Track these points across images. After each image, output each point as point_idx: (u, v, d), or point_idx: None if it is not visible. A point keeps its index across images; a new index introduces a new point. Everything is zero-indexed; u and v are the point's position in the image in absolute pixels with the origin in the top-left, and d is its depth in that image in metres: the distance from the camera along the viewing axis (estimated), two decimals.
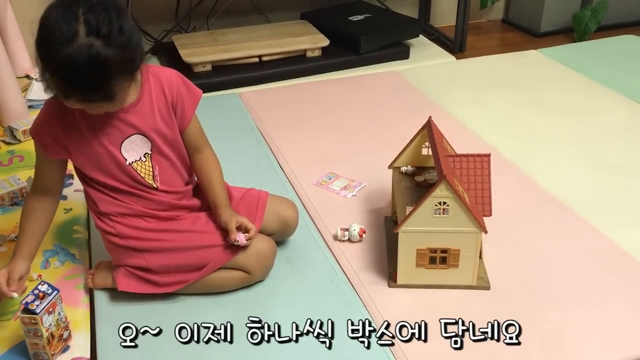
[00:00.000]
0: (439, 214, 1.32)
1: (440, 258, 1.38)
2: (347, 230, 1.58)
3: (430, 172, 1.54)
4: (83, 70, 1.10)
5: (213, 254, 1.36)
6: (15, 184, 1.78)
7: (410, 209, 1.36)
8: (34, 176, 1.37)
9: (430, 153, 1.49)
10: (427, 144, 1.54)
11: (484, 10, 3.34)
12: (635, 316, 1.37)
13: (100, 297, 1.43)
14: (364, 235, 1.58)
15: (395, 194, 1.53)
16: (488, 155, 1.43)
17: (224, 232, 1.36)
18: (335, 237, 1.59)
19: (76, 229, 1.67)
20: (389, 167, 1.59)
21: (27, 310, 1.21)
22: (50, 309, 1.23)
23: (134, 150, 1.33)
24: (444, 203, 1.30)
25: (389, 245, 1.54)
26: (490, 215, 1.42)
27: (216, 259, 1.36)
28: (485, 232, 1.33)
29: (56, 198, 1.40)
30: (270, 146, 2.03)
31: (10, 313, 1.38)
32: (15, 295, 1.27)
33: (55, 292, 1.25)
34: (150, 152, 1.35)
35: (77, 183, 1.87)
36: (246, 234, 1.35)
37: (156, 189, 1.37)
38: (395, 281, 1.42)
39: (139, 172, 1.34)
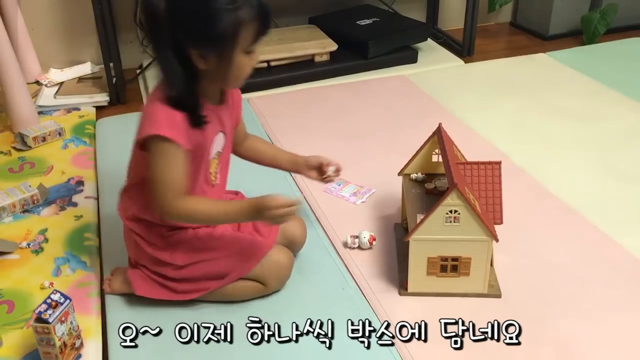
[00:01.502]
0: (450, 222, 1.32)
1: (451, 266, 1.38)
2: (357, 237, 1.58)
3: (440, 179, 1.53)
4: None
5: (234, 263, 1.37)
6: (26, 190, 1.79)
7: (421, 217, 1.36)
8: (170, 183, 1.23)
9: (441, 160, 1.49)
10: (437, 150, 1.54)
11: (492, 13, 3.33)
12: None
13: (112, 305, 1.43)
14: (374, 243, 1.58)
15: (405, 201, 1.53)
16: (499, 163, 1.43)
17: (245, 241, 1.39)
18: (345, 245, 1.59)
19: (87, 236, 1.67)
20: (399, 173, 1.59)
21: (39, 320, 1.22)
22: (63, 318, 1.24)
23: (214, 148, 1.35)
24: (455, 211, 1.30)
25: (400, 253, 1.53)
26: (501, 223, 1.42)
27: (237, 269, 1.37)
28: (497, 240, 1.33)
29: None
30: None
31: (23, 321, 1.39)
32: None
33: (68, 301, 1.26)
34: (221, 151, 1.38)
35: (87, 190, 1.88)
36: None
37: (213, 186, 1.38)
38: (406, 289, 1.42)
39: (210, 169, 1.36)
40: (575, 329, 1.35)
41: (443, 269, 1.38)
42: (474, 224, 1.31)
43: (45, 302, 1.24)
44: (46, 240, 1.65)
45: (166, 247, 1.36)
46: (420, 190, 1.52)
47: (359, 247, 1.58)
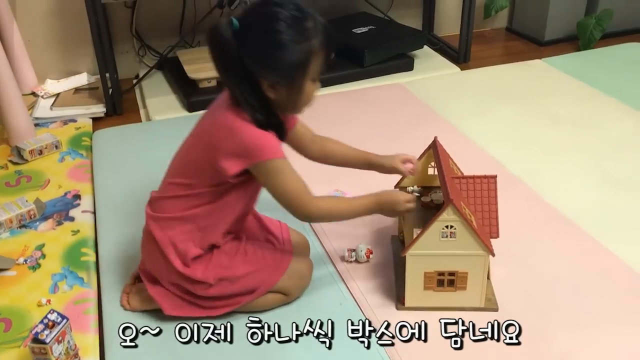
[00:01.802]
0: (447, 237, 1.32)
1: (448, 281, 1.38)
2: (354, 251, 1.58)
3: (436, 192, 1.54)
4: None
5: (262, 277, 1.38)
6: (23, 206, 1.79)
7: (418, 232, 1.36)
8: (301, 190, 1.29)
9: (437, 173, 1.49)
10: (432, 164, 1.54)
11: (487, 19, 3.34)
12: None
13: (109, 322, 1.43)
14: (371, 256, 1.58)
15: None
16: (494, 177, 1.43)
17: (270, 254, 1.41)
18: (343, 258, 1.59)
19: (84, 252, 1.67)
20: (396, 186, 1.59)
21: (36, 340, 1.22)
22: (60, 338, 1.24)
23: None
24: (451, 227, 1.30)
25: (397, 266, 1.54)
26: (498, 237, 1.42)
27: (265, 283, 1.37)
28: (493, 255, 1.33)
29: None
30: None
31: (20, 339, 1.39)
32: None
33: (65, 320, 1.26)
34: None
35: (84, 204, 1.88)
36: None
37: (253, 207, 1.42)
38: (404, 304, 1.42)
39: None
40: (573, 341, 1.35)
41: (440, 283, 1.39)
42: (470, 238, 1.31)
43: (42, 322, 1.24)
44: (43, 256, 1.65)
45: (198, 266, 1.34)
46: (416, 204, 1.52)
47: (356, 261, 1.58)
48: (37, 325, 1.23)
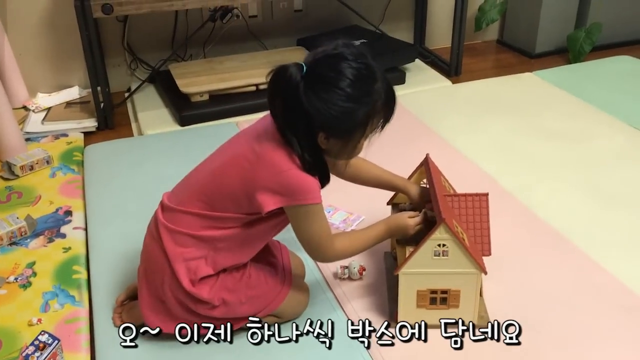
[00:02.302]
0: (439, 255, 1.32)
1: (440, 299, 1.38)
2: (347, 267, 1.58)
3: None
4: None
5: (262, 303, 1.38)
6: (13, 223, 1.78)
7: (410, 250, 1.36)
8: (325, 235, 1.31)
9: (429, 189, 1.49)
10: (425, 181, 1.55)
11: (478, 31, 3.36)
12: (637, 355, 1.36)
13: (101, 341, 1.42)
14: (364, 273, 1.58)
15: None
16: (486, 195, 1.43)
17: (272, 279, 1.40)
18: (336, 275, 1.59)
19: (76, 269, 1.66)
20: (388, 203, 1.60)
21: None
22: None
23: None
24: (444, 245, 1.31)
25: (389, 283, 1.54)
26: (490, 254, 1.43)
27: (265, 308, 1.38)
28: (485, 273, 1.33)
29: None
30: None
31: None
32: None
33: (56, 342, 1.25)
34: None
35: (75, 220, 1.87)
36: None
37: None
38: (397, 321, 1.42)
39: None
40: (564, 359, 1.35)
41: (432, 301, 1.39)
42: (462, 257, 1.32)
43: (32, 343, 1.23)
44: (34, 274, 1.64)
45: (204, 285, 1.32)
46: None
47: (349, 278, 1.58)
48: (27, 347, 1.22)
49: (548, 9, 3.15)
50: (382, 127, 1.27)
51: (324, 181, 1.28)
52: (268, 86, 1.20)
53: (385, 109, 1.24)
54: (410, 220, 1.40)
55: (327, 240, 1.31)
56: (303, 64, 1.17)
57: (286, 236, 1.40)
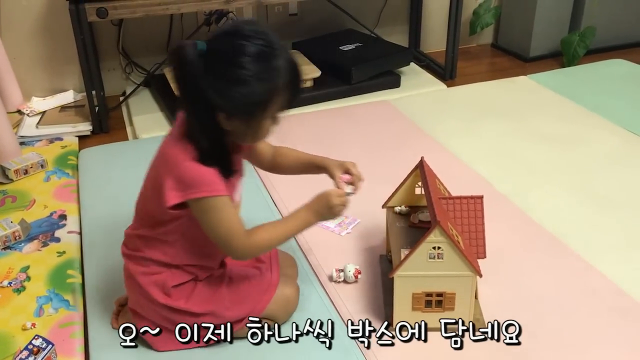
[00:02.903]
0: (434, 258, 1.32)
1: (435, 301, 1.38)
2: (342, 271, 1.58)
3: (423, 211, 1.54)
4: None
5: (249, 306, 1.37)
6: (7, 227, 1.77)
7: (406, 253, 1.36)
8: (235, 229, 1.25)
9: (423, 193, 1.49)
10: (419, 183, 1.55)
11: (473, 35, 3.37)
12: (632, 357, 1.37)
13: (95, 345, 1.41)
14: (359, 276, 1.58)
15: (389, 235, 1.54)
16: (481, 198, 1.44)
17: (257, 281, 1.39)
18: (331, 278, 1.59)
19: (70, 273, 1.66)
20: (383, 206, 1.60)
21: None
22: None
23: (237, 193, 1.34)
24: (439, 248, 1.31)
25: (385, 286, 1.54)
26: (485, 257, 1.43)
27: (252, 311, 1.36)
28: (480, 275, 1.34)
29: None
30: (264, 182, 2.03)
31: None
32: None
33: (50, 346, 1.25)
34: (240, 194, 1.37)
35: (70, 224, 1.86)
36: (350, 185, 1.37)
37: None
38: (392, 324, 1.42)
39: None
40: None
41: (428, 304, 1.39)
42: (457, 259, 1.32)
43: (26, 347, 1.23)
44: (28, 278, 1.63)
45: (179, 295, 1.33)
46: (404, 224, 1.52)
47: (345, 281, 1.58)
48: (21, 352, 1.22)
49: (542, 13, 3.16)
50: (288, 107, 1.22)
51: (225, 171, 1.23)
52: (172, 70, 1.18)
53: (290, 87, 1.19)
54: (333, 196, 1.32)
55: (237, 235, 1.25)
56: (199, 42, 1.15)
57: None
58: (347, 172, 1.38)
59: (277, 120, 1.24)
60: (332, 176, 1.40)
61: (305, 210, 1.33)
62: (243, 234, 1.26)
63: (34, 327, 1.46)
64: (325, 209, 1.32)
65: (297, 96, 1.23)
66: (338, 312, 1.49)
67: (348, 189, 1.36)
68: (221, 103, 1.15)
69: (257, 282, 1.39)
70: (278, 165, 1.50)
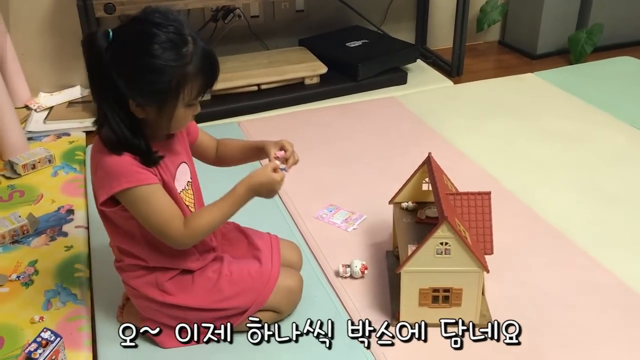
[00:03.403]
0: (441, 254, 1.32)
1: (442, 297, 1.38)
2: (348, 266, 1.58)
3: (430, 207, 1.54)
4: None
5: (250, 297, 1.36)
6: (16, 221, 1.78)
7: (413, 249, 1.36)
8: (168, 217, 1.23)
9: (431, 188, 1.50)
10: (427, 179, 1.55)
11: (480, 32, 3.36)
12: (638, 355, 1.36)
13: (103, 339, 1.42)
14: (365, 272, 1.58)
15: (396, 230, 1.54)
16: (488, 194, 1.43)
17: (257, 272, 1.38)
18: (337, 274, 1.59)
19: (78, 268, 1.66)
20: (390, 202, 1.60)
21: (29, 359, 1.21)
22: (53, 357, 1.24)
23: (181, 179, 1.33)
24: (446, 243, 1.31)
25: (391, 282, 1.54)
26: (492, 253, 1.43)
27: (254, 303, 1.36)
28: (487, 271, 1.34)
29: None
30: None
31: (13, 357, 1.37)
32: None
33: (58, 339, 1.25)
34: (190, 180, 1.36)
35: (78, 218, 1.87)
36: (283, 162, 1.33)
37: None
38: (399, 320, 1.42)
39: (185, 201, 1.33)
40: (566, 358, 1.35)
41: (435, 299, 1.39)
42: (464, 255, 1.32)
43: (35, 340, 1.23)
44: (36, 272, 1.64)
45: (178, 291, 1.34)
46: (411, 220, 1.53)
47: (351, 277, 1.58)
48: (30, 344, 1.22)
49: (549, 10, 3.15)
50: (203, 93, 1.21)
51: (146, 159, 1.20)
52: (85, 61, 1.16)
53: (202, 73, 1.17)
54: (275, 174, 1.27)
55: (172, 223, 1.22)
56: (110, 30, 1.14)
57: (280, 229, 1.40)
58: (282, 149, 1.35)
59: (195, 107, 1.23)
60: (268, 154, 1.35)
61: (242, 188, 1.28)
62: (178, 221, 1.24)
63: (42, 320, 1.47)
64: (261, 186, 1.28)
65: (212, 82, 1.21)
66: (344, 307, 1.49)
67: (282, 165, 1.32)
68: (130, 91, 1.14)
69: (258, 274, 1.38)
70: (222, 157, 1.48)
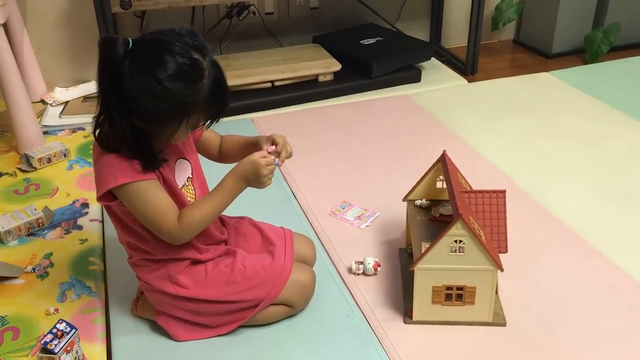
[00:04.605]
0: (455, 251, 1.32)
1: (456, 295, 1.38)
2: (361, 263, 1.58)
3: (444, 205, 1.54)
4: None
5: (263, 290, 1.37)
6: (31, 214, 1.79)
7: (426, 246, 1.36)
8: (164, 211, 1.24)
9: (445, 186, 1.49)
10: (441, 177, 1.55)
11: (495, 31, 3.35)
12: None
13: (117, 331, 1.43)
14: (378, 269, 1.58)
15: (410, 228, 1.53)
16: (503, 192, 1.43)
17: (270, 266, 1.38)
18: (350, 270, 1.59)
19: (92, 261, 1.68)
20: (404, 199, 1.59)
21: (45, 350, 1.22)
22: (69, 348, 1.24)
23: (181, 175, 1.34)
24: (460, 241, 1.30)
25: (404, 279, 1.54)
26: (506, 252, 1.42)
27: (267, 296, 1.37)
28: (502, 270, 1.33)
29: None
30: (283, 174, 2.04)
31: (29, 348, 1.39)
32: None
33: (74, 330, 1.26)
34: (191, 176, 1.37)
35: (92, 212, 1.89)
36: (276, 156, 1.32)
37: None
38: (411, 317, 1.42)
39: (187, 197, 1.34)
40: (580, 358, 1.34)
41: (448, 297, 1.38)
42: (478, 253, 1.31)
43: (51, 331, 1.24)
44: (51, 264, 1.66)
45: (191, 284, 1.35)
46: (424, 217, 1.52)
47: (364, 273, 1.58)
48: (46, 335, 1.23)
49: (565, 9, 3.13)
50: (211, 123, 1.25)
51: (149, 162, 1.22)
52: (98, 62, 1.15)
53: (210, 106, 1.19)
54: (262, 160, 1.26)
55: (167, 218, 1.24)
56: (129, 40, 1.13)
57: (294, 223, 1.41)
58: (273, 143, 1.36)
59: (199, 129, 1.25)
60: (260, 149, 1.35)
61: (233, 179, 1.28)
62: (172, 216, 1.25)
63: (57, 312, 1.49)
64: (247, 172, 1.27)
65: (220, 114, 1.23)
66: (357, 304, 1.49)
67: (276, 160, 1.32)
68: (134, 107, 1.15)
69: (271, 269, 1.38)
70: (223, 153, 1.49)
